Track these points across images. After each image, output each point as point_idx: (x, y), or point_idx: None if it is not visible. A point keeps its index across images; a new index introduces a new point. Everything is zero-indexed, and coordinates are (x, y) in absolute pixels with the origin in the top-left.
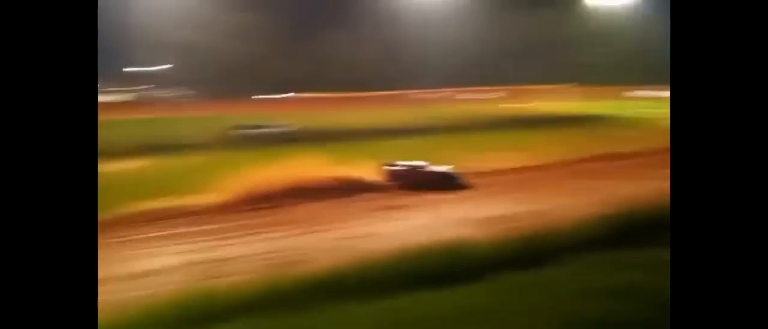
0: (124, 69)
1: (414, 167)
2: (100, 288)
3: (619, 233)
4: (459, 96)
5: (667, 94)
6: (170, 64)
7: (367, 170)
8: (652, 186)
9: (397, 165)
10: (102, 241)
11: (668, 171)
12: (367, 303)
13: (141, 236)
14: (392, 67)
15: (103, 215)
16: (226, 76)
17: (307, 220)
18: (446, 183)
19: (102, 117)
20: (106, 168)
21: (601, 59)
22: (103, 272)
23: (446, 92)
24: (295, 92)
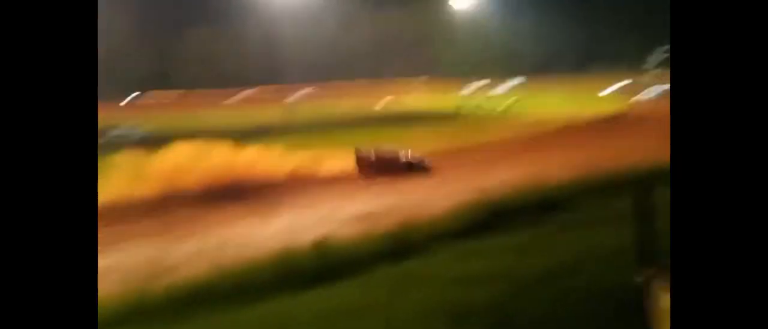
0: None
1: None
2: None
3: (484, 221)
4: (321, 92)
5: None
6: None
7: (238, 172)
8: (512, 174)
9: (368, 153)
10: None
11: (527, 157)
12: (242, 308)
13: None
14: (251, 63)
15: None
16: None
17: (180, 225)
18: (415, 169)
19: None
20: None
21: (450, 55)
22: None
23: (308, 88)
24: (145, 91)
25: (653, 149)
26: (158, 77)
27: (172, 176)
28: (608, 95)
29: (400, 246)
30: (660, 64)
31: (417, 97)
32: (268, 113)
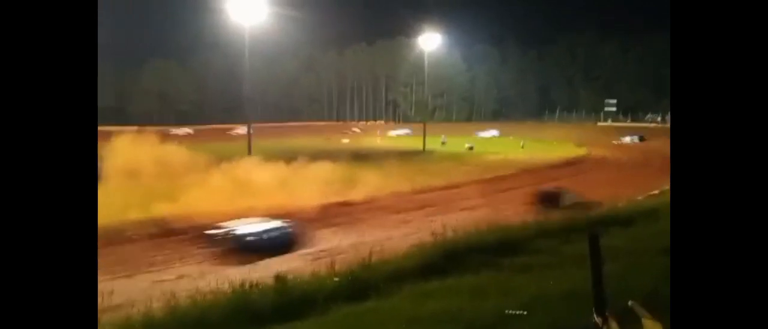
0: None
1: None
2: None
3: (444, 260)
4: (279, 130)
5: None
6: None
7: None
8: (474, 214)
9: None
10: None
11: (488, 199)
12: None
13: None
14: (210, 100)
15: None
16: None
17: (125, 264)
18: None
19: None
20: None
21: (404, 98)
22: None
23: (267, 126)
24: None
25: (608, 194)
26: (114, 112)
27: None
28: (564, 141)
29: (359, 286)
30: (609, 115)
31: (377, 138)
32: (227, 149)
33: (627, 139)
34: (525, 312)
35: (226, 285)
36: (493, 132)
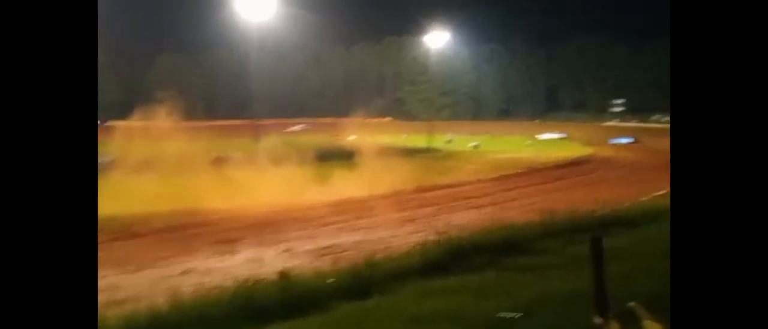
0: None
1: None
2: None
3: (447, 259)
4: (281, 128)
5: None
6: None
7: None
8: (479, 213)
9: None
10: None
11: (493, 198)
12: None
13: None
14: (221, 95)
15: None
16: None
17: (132, 258)
18: None
19: None
20: None
21: (410, 96)
22: None
23: (272, 122)
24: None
25: (612, 195)
26: (122, 107)
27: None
28: (567, 140)
29: (362, 283)
30: (618, 114)
31: (383, 135)
32: (235, 145)
33: (621, 140)
34: (519, 315)
35: (230, 282)
36: (555, 134)
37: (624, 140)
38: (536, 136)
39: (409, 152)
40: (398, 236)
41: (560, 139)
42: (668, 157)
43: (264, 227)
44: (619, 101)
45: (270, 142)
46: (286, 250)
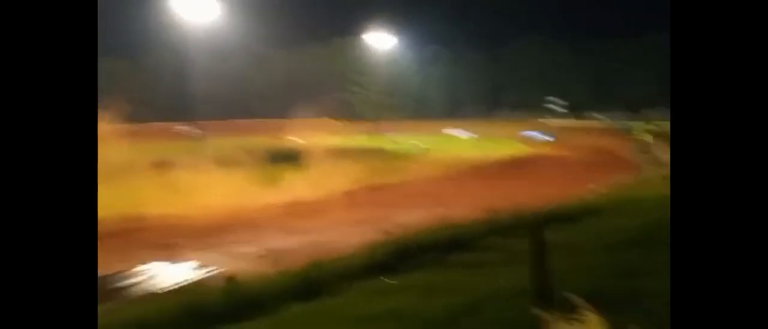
0: None
1: None
2: None
3: (394, 258)
4: (227, 129)
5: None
6: None
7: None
8: (425, 212)
9: None
10: None
11: (439, 197)
12: None
13: None
14: (162, 97)
15: None
16: None
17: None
18: None
19: None
20: None
21: (356, 97)
22: None
23: (216, 123)
24: None
25: (554, 190)
26: None
27: None
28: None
29: (310, 285)
30: (559, 114)
31: (329, 136)
32: (178, 147)
33: (532, 134)
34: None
35: (174, 287)
36: (461, 131)
37: (538, 135)
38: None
39: (355, 153)
40: (344, 236)
41: (470, 138)
42: (592, 154)
43: (208, 231)
44: (559, 101)
45: (214, 144)
46: (231, 253)
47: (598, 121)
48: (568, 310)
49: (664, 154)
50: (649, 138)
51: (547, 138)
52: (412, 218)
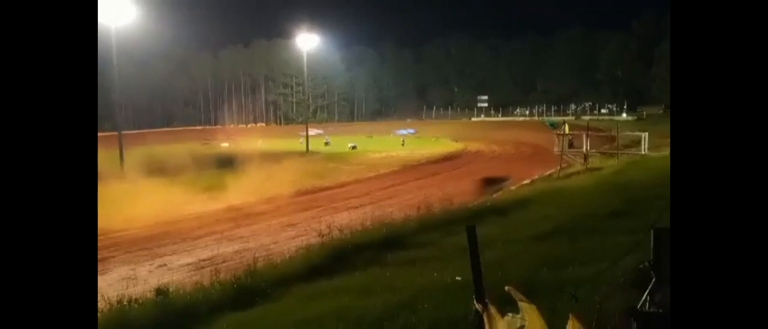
0: None
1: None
2: None
3: (330, 260)
4: (151, 137)
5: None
6: None
7: None
8: (359, 213)
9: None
10: None
11: (372, 196)
12: None
13: None
14: None
15: None
16: None
17: None
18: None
19: None
20: None
21: (284, 100)
22: None
23: (138, 132)
24: None
25: (483, 184)
26: None
27: None
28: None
29: (245, 293)
30: (481, 111)
31: (258, 140)
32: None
33: (402, 132)
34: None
35: (102, 303)
36: (411, 130)
37: (403, 131)
38: (394, 132)
39: (287, 156)
40: (280, 241)
41: (410, 134)
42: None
43: (136, 242)
44: (484, 98)
45: (138, 154)
46: (162, 265)
47: (522, 116)
48: (505, 302)
49: (583, 146)
50: (567, 130)
51: (410, 131)
52: (346, 219)
